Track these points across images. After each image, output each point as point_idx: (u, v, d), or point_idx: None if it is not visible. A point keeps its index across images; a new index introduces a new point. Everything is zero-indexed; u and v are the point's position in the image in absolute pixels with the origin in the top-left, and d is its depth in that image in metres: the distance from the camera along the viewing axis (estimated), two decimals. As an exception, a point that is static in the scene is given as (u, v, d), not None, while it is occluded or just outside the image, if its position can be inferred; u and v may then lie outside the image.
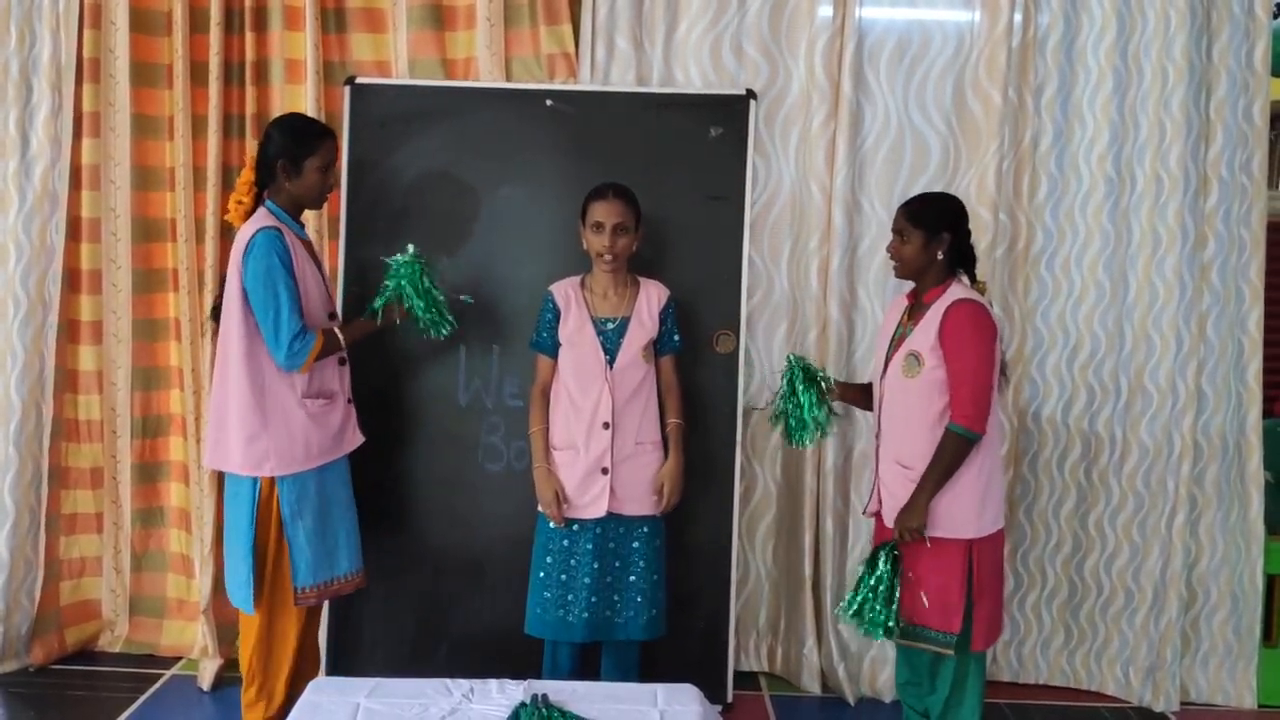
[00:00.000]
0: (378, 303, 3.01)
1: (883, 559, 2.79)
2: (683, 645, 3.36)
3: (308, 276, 2.90)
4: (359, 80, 3.47)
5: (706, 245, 3.44)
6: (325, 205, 3.14)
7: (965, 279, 2.88)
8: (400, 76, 3.58)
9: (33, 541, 3.64)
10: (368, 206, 3.43)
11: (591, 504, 3.05)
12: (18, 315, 3.57)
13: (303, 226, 3.04)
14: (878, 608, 2.78)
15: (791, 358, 3.05)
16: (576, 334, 3.10)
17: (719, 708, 3.24)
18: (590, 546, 3.06)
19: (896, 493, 2.83)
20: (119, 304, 3.67)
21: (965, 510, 2.77)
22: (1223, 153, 3.52)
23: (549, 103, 3.45)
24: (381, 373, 3.38)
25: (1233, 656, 3.67)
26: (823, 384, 3.01)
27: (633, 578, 3.09)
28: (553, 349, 3.14)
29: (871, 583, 2.79)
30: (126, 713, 3.38)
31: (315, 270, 2.97)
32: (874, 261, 3.55)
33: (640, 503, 3.09)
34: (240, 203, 2.99)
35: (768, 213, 3.60)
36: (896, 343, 2.89)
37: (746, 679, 3.70)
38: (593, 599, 3.05)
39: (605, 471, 3.05)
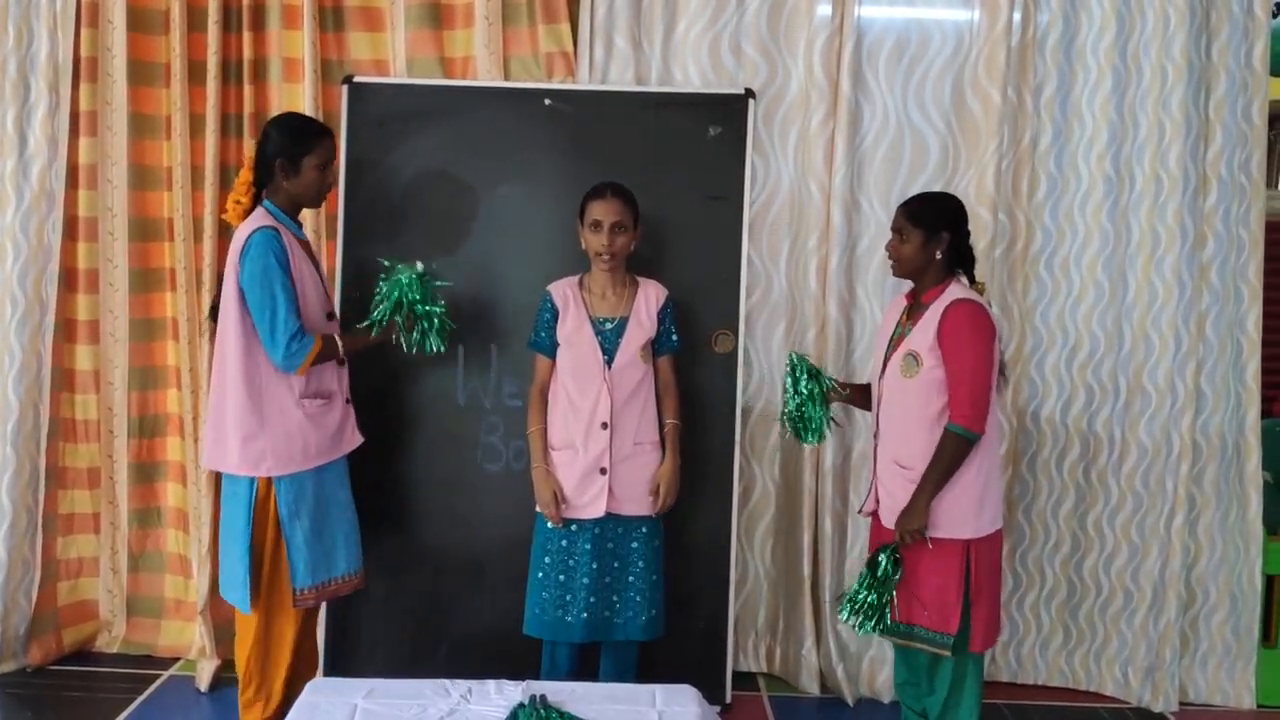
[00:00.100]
0: (376, 315, 3.01)
1: (884, 561, 2.79)
2: (681, 646, 3.36)
3: (305, 276, 2.89)
4: (357, 79, 3.46)
5: (705, 245, 3.44)
6: (323, 204, 3.14)
7: (964, 279, 2.87)
8: (398, 75, 3.57)
9: (30, 542, 3.63)
10: (365, 206, 3.42)
11: (590, 504, 3.05)
12: (15, 315, 3.56)
13: (300, 226, 3.04)
14: (877, 606, 2.77)
15: (793, 356, 3.05)
16: (575, 334, 3.09)
17: (717, 708, 3.24)
18: (589, 547, 3.06)
19: (894, 493, 2.83)
20: (116, 303, 3.66)
21: (963, 510, 2.76)
22: (1222, 152, 3.52)
23: (547, 102, 3.44)
24: (380, 373, 3.37)
25: (1231, 657, 3.67)
26: (824, 384, 3.01)
27: (631, 578, 3.09)
28: (551, 349, 3.14)
29: (871, 583, 2.79)
30: (124, 713, 3.37)
31: (313, 270, 2.97)
32: (873, 261, 3.54)
33: (639, 503, 3.08)
34: (238, 202, 2.99)
35: (766, 212, 3.59)
36: (895, 343, 2.89)
37: (745, 679, 3.70)
38: (591, 599, 3.05)
39: (604, 471, 3.04)
